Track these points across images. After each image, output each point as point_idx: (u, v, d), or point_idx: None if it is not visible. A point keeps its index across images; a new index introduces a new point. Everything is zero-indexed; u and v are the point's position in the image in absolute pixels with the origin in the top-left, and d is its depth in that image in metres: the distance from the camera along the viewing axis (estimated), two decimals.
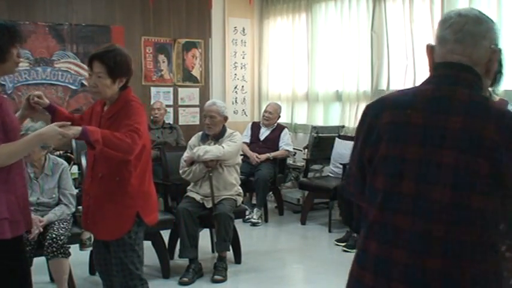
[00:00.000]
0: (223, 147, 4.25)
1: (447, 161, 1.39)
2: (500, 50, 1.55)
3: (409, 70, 5.28)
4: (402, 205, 1.42)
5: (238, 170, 4.49)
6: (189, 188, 4.40)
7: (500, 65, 1.84)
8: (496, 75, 1.85)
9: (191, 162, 4.30)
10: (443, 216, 1.38)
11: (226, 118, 4.38)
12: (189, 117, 7.03)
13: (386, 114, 1.49)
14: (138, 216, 2.69)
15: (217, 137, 4.36)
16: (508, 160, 1.37)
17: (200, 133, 4.51)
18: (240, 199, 4.44)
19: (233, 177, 4.38)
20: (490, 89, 1.88)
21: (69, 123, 2.43)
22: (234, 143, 4.32)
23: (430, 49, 1.56)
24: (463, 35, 1.47)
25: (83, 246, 3.82)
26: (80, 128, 2.41)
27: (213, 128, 4.35)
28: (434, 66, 1.52)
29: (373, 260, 1.47)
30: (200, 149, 4.25)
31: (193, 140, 4.49)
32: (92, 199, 2.73)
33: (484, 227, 1.39)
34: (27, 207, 2.43)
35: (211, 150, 4.22)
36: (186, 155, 4.36)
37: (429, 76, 1.53)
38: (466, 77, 1.47)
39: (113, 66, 2.60)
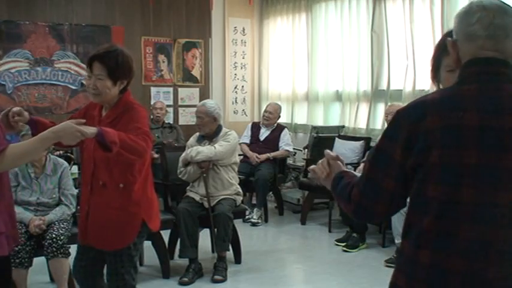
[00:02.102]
0: (215, 147, 4.26)
1: (508, 164, 1.33)
2: None
3: (409, 70, 5.28)
4: (461, 213, 1.35)
5: (236, 169, 4.49)
6: (188, 188, 4.41)
7: None
8: None
9: (187, 163, 4.31)
10: (505, 221, 1.34)
11: (216, 119, 4.35)
12: (189, 117, 7.03)
13: (432, 118, 1.37)
14: (142, 224, 2.57)
15: (212, 136, 4.36)
16: None
17: (198, 133, 4.52)
18: (239, 198, 4.44)
19: (230, 176, 4.38)
20: None
21: (84, 120, 2.27)
22: (227, 143, 4.31)
23: (454, 44, 1.48)
24: (494, 30, 1.40)
25: None
26: (95, 128, 2.24)
27: (203, 128, 4.36)
28: (467, 64, 1.44)
29: (427, 270, 1.39)
30: (193, 150, 4.26)
31: (191, 140, 4.51)
32: (92, 209, 2.56)
33: None
34: (16, 220, 2.30)
35: (202, 151, 4.23)
36: (183, 155, 4.38)
37: (464, 74, 1.44)
38: (506, 72, 1.41)
39: (114, 67, 2.45)
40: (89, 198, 2.58)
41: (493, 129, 1.34)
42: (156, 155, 5.50)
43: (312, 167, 1.74)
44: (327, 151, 1.72)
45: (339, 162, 1.68)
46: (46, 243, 3.45)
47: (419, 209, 1.41)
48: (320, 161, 1.72)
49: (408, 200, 1.47)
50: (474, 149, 1.34)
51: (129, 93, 2.60)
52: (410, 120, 1.40)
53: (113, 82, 2.47)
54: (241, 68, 7.45)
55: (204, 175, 4.24)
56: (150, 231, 2.67)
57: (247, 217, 5.54)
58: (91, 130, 2.22)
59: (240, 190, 4.49)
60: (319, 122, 6.55)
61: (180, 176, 4.38)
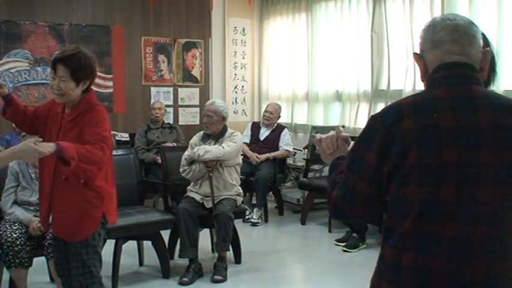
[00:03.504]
0: (223, 147, 4.26)
1: (486, 161, 1.36)
2: (491, 51, 1.56)
3: (409, 70, 5.28)
4: (443, 212, 1.37)
5: (239, 170, 4.49)
6: (189, 187, 4.40)
7: (494, 64, 1.86)
8: (490, 75, 1.87)
9: (191, 162, 4.31)
10: (487, 217, 1.36)
11: (224, 118, 4.37)
12: (189, 117, 7.03)
13: (408, 121, 1.40)
14: (103, 216, 2.70)
15: (218, 136, 4.37)
16: None
17: (201, 132, 4.52)
18: (240, 199, 4.44)
19: (233, 177, 4.38)
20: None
21: (41, 139, 2.42)
22: (234, 143, 4.32)
23: (419, 56, 1.55)
24: (459, 35, 1.47)
25: None
26: (53, 145, 2.40)
27: (210, 127, 4.37)
28: (435, 69, 1.49)
29: (411, 274, 1.39)
30: (200, 149, 4.25)
31: (195, 139, 4.50)
32: (55, 201, 2.68)
33: None
34: None
35: (211, 150, 4.22)
36: (186, 153, 4.37)
37: (433, 79, 1.48)
38: (474, 75, 1.46)
39: (77, 69, 2.58)
40: (52, 191, 2.68)
41: (468, 128, 1.38)
42: (159, 160, 5.56)
43: (320, 136, 1.75)
44: (340, 129, 1.75)
45: (346, 145, 1.71)
46: (46, 243, 3.45)
47: (399, 212, 1.42)
48: (330, 135, 1.73)
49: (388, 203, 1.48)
50: (452, 148, 1.37)
51: (92, 93, 2.73)
52: (386, 124, 1.44)
53: (76, 83, 2.60)
54: (241, 68, 7.45)
55: (210, 174, 4.23)
56: (109, 223, 2.79)
57: (247, 217, 5.54)
58: (49, 148, 2.37)
59: (241, 191, 4.49)
60: (319, 122, 6.55)
61: (183, 175, 4.37)
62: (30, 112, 2.77)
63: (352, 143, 1.67)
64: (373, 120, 1.49)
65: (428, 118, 1.40)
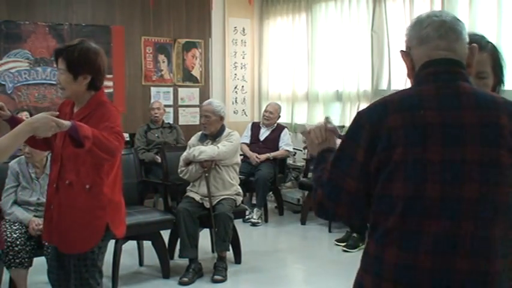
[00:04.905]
0: (218, 147, 4.26)
1: (471, 157, 1.36)
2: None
3: None
4: (428, 209, 1.36)
5: (237, 170, 4.49)
6: (188, 188, 4.41)
7: (503, 63, 1.85)
8: (500, 75, 1.86)
9: (188, 162, 4.31)
10: (471, 213, 1.35)
11: (222, 118, 4.37)
12: (189, 117, 7.03)
13: (394, 117, 1.41)
14: (106, 228, 2.51)
15: (215, 136, 4.37)
16: None
17: (200, 133, 4.52)
18: (239, 199, 4.44)
19: (232, 176, 4.38)
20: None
21: (57, 113, 2.30)
22: (230, 143, 4.32)
23: (406, 53, 1.54)
24: (446, 31, 1.47)
25: None
26: (69, 122, 2.25)
27: (208, 127, 4.37)
28: (422, 66, 1.48)
29: (393, 268, 1.39)
30: (195, 149, 4.27)
31: (193, 139, 4.51)
32: (56, 209, 2.51)
33: (511, 220, 1.39)
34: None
35: (205, 151, 4.23)
36: (184, 154, 4.38)
37: (421, 76, 1.48)
38: (461, 72, 1.46)
39: (71, 61, 2.46)
40: (54, 198, 2.54)
41: (453, 125, 1.38)
42: (158, 160, 5.57)
43: (309, 129, 1.74)
44: (328, 119, 1.74)
45: (334, 137, 1.71)
46: (46, 243, 3.44)
47: (385, 208, 1.42)
48: (318, 126, 1.72)
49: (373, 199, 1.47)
50: (437, 146, 1.37)
51: (102, 92, 2.61)
52: (372, 121, 1.44)
53: (73, 76, 2.47)
54: (241, 68, 7.45)
55: (206, 175, 4.24)
56: (114, 237, 2.61)
57: (247, 217, 5.54)
58: (65, 123, 2.23)
59: (241, 191, 4.49)
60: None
61: (181, 176, 4.38)
62: None
63: (342, 134, 1.67)
64: (359, 117, 1.49)
65: (414, 115, 1.40)
